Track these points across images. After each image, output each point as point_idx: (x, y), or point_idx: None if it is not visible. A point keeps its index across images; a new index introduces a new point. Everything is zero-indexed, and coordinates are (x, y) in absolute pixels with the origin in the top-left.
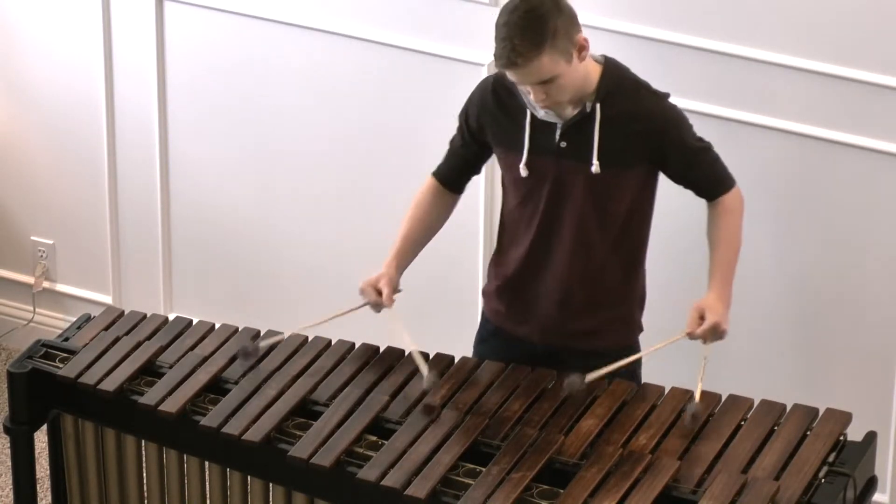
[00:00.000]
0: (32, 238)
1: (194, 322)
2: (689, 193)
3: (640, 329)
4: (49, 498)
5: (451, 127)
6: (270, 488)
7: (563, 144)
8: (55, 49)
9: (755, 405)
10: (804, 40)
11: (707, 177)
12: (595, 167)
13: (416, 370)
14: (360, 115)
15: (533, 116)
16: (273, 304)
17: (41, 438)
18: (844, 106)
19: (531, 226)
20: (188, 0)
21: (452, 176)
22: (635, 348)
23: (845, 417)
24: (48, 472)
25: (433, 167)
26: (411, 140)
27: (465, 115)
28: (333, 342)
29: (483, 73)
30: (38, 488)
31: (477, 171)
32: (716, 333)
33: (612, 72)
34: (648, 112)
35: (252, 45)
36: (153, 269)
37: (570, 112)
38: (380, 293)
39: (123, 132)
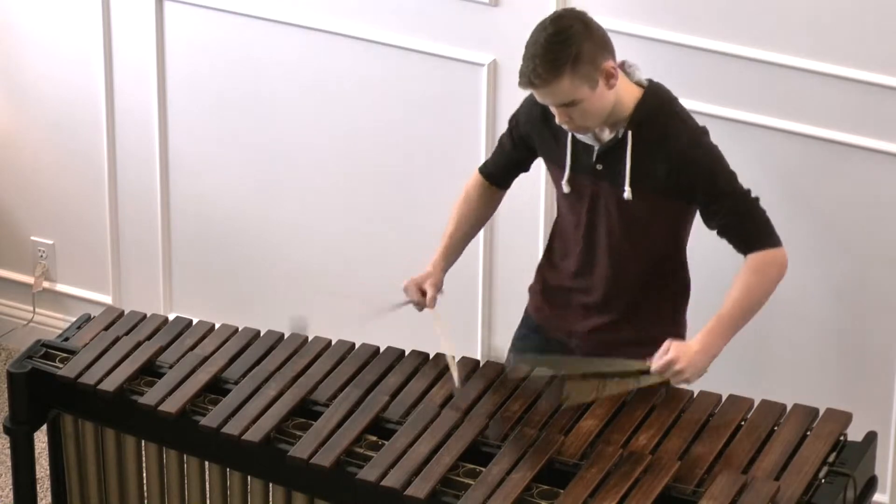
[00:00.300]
0: (32, 238)
1: (194, 322)
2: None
3: None
4: (49, 498)
5: (450, 127)
6: (270, 488)
7: (600, 167)
8: (55, 49)
9: (755, 405)
10: (804, 40)
11: (738, 226)
12: (627, 193)
13: (417, 370)
14: (360, 115)
15: (573, 135)
16: (273, 304)
17: (41, 438)
18: (846, 106)
19: (577, 240)
20: (188, 0)
21: (499, 173)
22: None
23: (845, 417)
24: (48, 472)
25: (433, 168)
26: (411, 140)
27: (514, 121)
28: (333, 342)
29: (483, 74)
30: (38, 488)
31: (525, 169)
32: (672, 371)
33: (651, 98)
34: (676, 141)
35: (252, 45)
36: (153, 269)
37: (607, 135)
38: (423, 293)
39: (124, 132)
